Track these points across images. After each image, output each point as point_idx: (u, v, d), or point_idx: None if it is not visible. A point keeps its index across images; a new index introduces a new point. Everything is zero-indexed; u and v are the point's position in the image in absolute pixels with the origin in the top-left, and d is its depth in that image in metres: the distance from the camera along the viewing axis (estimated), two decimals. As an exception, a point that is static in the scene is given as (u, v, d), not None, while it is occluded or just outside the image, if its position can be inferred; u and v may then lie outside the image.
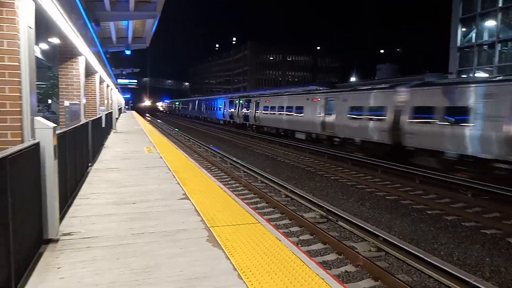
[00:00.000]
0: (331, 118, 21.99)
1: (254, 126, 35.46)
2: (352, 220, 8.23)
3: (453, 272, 5.66)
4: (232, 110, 41.52)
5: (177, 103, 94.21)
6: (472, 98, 13.10)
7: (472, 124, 12.88)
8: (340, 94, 21.75)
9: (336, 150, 20.81)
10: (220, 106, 47.37)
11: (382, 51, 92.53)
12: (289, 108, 27.65)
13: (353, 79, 63.22)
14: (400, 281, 5.45)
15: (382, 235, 7.30)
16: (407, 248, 6.66)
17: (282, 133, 29.42)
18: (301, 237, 7.63)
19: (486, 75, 38.63)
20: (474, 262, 6.81)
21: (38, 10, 4.83)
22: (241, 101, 39.24)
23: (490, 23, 42.40)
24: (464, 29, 45.18)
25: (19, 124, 4.04)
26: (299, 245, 6.78)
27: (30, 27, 4.32)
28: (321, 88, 31.13)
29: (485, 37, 43.15)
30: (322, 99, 23.35)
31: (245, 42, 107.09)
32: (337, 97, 21.73)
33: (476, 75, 42.19)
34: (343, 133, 20.86)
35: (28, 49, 4.22)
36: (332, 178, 14.39)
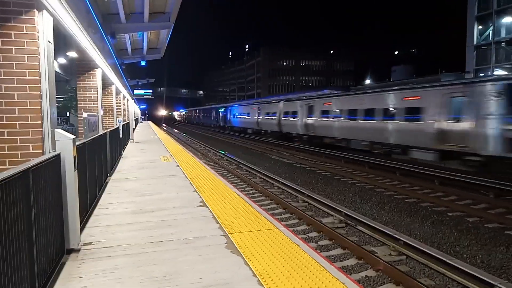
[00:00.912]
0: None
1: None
2: (372, 224, 8.14)
3: (477, 275, 5.54)
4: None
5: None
6: (298, 106, 28.90)
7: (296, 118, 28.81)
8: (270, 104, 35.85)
9: (352, 154, 20.62)
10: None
11: (396, 52, 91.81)
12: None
13: (367, 81, 62.72)
14: (423, 285, 5.35)
15: (402, 239, 7.20)
16: (429, 251, 6.55)
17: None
18: (320, 243, 7.57)
19: (505, 72, 37.80)
20: (498, 264, 6.64)
21: (57, 25, 4.97)
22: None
23: (508, 20, 41.63)
24: (480, 27, 44.45)
25: (40, 136, 4.14)
26: (318, 251, 6.73)
27: (50, 42, 4.45)
28: (335, 92, 30.03)
29: (503, 34, 42.34)
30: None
31: (258, 48, 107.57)
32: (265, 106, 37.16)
33: (495, 73, 41.38)
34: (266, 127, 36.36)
35: (48, 63, 4.33)
36: (350, 182, 14.26)
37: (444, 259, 6.19)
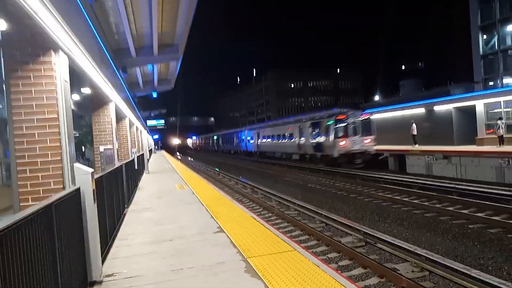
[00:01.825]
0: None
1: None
2: (392, 241, 8.03)
3: (504, 288, 5.40)
4: (320, 138, 27.08)
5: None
6: (254, 132, 45.14)
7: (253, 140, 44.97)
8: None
9: (366, 171, 20.49)
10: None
11: (403, 67, 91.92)
12: None
13: (376, 98, 62.73)
14: (449, 300, 5.23)
15: (424, 254, 7.07)
16: (452, 266, 6.42)
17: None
18: (340, 263, 7.47)
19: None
20: (526, 275, 6.46)
21: (71, 63, 5.19)
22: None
23: (512, 28, 41.60)
24: (485, 37, 44.42)
25: (60, 172, 4.28)
26: (339, 271, 6.64)
27: (66, 81, 4.65)
28: (345, 110, 30.16)
29: (508, 42, 42.23)
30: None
31: (265, 72, 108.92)
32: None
33: (504, 81, 41.04)
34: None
35: (65, 101, 4.53)
36: (366, 200, 14.11)
37: (469, 273, 6.06)
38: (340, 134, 24.53)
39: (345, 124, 24.68)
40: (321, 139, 26.34)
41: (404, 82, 57.93)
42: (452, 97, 25.43)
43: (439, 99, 25.60)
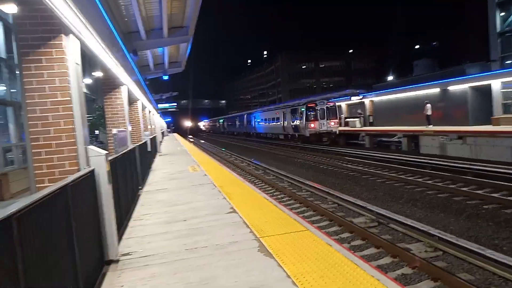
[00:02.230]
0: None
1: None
2: (405, 222, 8.02)
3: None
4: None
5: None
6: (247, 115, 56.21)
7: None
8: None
9: (378, 152, 20.34)
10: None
11: (417, 46, 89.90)
12: None
13: (390, 78, 61.69)
14: (462, 280, 5.23)
15: (437, 234, 7.05)
16: (466, 246, 6.39)
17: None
18: (352, 243, 7.51)
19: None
20: (541, 255, 6.40)
21: (82, 47, 5.20)
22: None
23: (532, 4, 40.13)
24: (502, 14, 42.99)
25: (75, 154, 4.33)
26: (352, 250, 6.67)
27: (77, 64, 4.66)
28: (357, 91, 35.14)
29: (528, 19, 40.81)
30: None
31: (276, 54, 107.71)
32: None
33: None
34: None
35: (77, 84, 4.55)
36: (379, 180, 14.06)
37: (483, 253, 6.03)
38: (311, 118, 30.70)
39: (314, 110, 30.70)
40: (297, 122, 32.79)
41: (418, 62, 56.76)
42: (468, 77, 24.82)
43: (454, 79, 25.05)
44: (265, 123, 45.42)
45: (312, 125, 30.44)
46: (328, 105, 31.08)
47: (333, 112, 30.96)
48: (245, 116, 57.72)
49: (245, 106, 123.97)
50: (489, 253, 6.05)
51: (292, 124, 34.31)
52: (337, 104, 32.87)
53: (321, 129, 30.28)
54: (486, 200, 10.01)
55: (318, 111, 30.57)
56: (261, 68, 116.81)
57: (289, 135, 36.42)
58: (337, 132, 30.63)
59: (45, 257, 2.57)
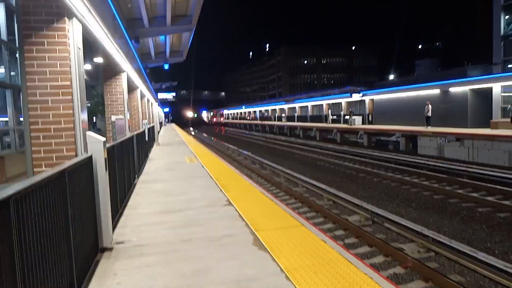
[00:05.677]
0: None
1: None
2: (399, 221, 8.05)
3: (510, 271, 5.40)
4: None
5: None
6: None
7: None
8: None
9: (375, 151, 20.38)
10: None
11: (420, 46, 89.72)
12: None
13: (391, 77, 61.67)
14: (453, 281, 5.26)
15: (431, 235, 7.09)
16: (459, 247, 6.43)
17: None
18: (346, 241, 7.54)
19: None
20: (533, 260, 6.44)
21: (84, 32, 5.15)
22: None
23: (537, 8, 40.03)
24: (507, 17, 42.87)
25: (73, 139, 4.32)
26: (346, 248, 6.70)
27: (79, 48, 4.63)
28: (358, 88, 35.86)
29: (532, 23, 40.73)
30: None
31: (278, 47, 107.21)
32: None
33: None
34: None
35: (78, 68, 4.51)
36: (375, 180, 14.09)
37: (475, 255, 6.07)
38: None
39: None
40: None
41: (420, 62, 56.69)
42: (469, 79, 24.80)
43: (455, 81, 25.05)
44: (245, 117, 63.43)
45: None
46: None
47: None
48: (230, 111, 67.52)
49: (245, 99, 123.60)
50: (481, 256, 6.09)
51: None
52: (337, 101, 38.76)
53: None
54: (481, 203, 10.05)
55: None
56: (262, 62, 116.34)
57: (258, 127, 52.19)
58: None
59: (41, 240, 2.56)
